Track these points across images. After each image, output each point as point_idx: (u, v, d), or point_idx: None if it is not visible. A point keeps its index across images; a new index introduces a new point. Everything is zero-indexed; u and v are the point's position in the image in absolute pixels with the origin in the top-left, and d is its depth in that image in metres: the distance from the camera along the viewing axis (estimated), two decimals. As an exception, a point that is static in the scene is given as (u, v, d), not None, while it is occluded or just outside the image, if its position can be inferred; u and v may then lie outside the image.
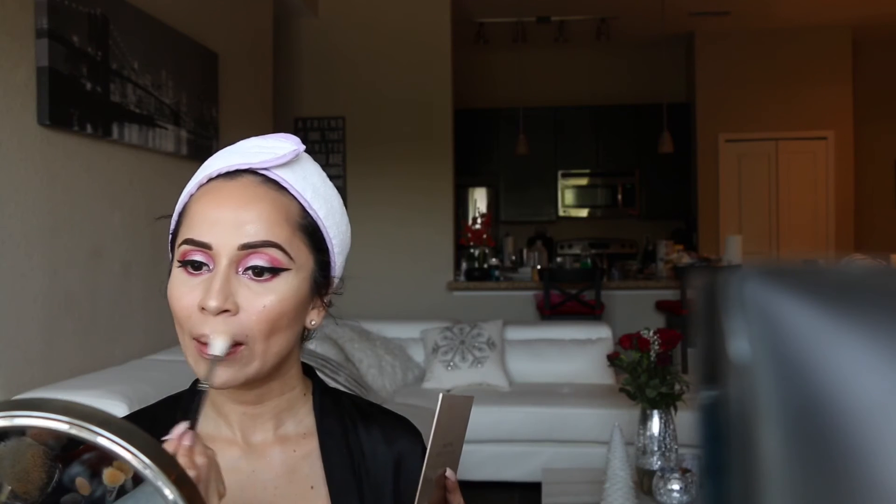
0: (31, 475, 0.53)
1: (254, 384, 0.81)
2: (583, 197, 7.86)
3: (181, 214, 0.80)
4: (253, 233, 0.76)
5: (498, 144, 7.69)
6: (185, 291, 0.76)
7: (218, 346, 0.74)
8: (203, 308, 0.74)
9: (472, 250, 6.04)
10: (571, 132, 7.79)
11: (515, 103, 7.48)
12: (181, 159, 3.24)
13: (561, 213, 7.88)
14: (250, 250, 0.76)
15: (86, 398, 2.11)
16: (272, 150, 0.79)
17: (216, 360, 0.74)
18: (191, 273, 0.76)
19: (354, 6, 5.86)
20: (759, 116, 7.30)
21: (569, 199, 7.86)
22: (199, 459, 0.68)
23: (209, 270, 0.76)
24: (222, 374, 0.76)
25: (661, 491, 2.38)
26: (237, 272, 0.76)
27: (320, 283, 0.82)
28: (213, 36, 3.67)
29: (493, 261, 6.12)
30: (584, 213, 7.90)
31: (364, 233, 5.42)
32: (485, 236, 6.01)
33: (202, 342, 0.75)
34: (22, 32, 2.33)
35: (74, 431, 0.44)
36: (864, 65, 7.54)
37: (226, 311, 0.74)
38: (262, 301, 0.76)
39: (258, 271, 0.76)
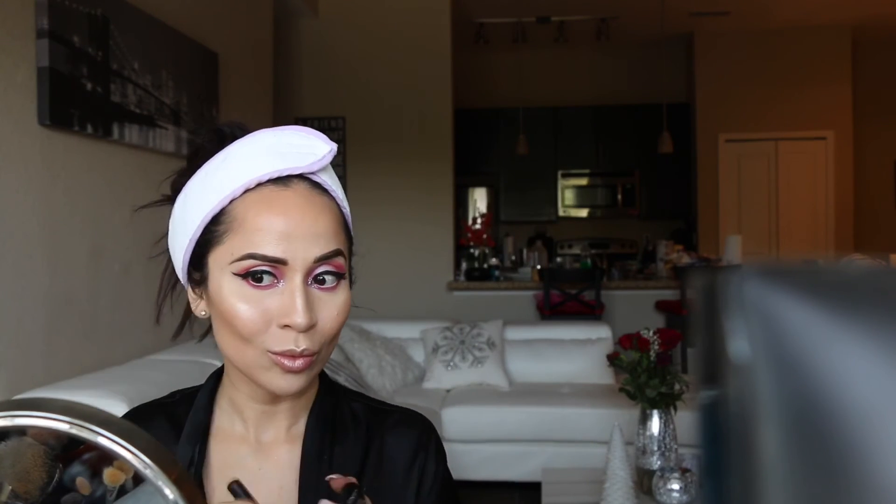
0: (31, 475, 0.53)
1: None
2: (583, 197, 7.86)
3: (218, 218, 0.77)
4: (325, 244, 0.76)
5: (498, 144, 7.69)
6: (252, 304, 0.75)
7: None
8: (286, 325, 0.74)
9: (472, 250, 6.04)
10: (571, 132, 7.79)
11: (515, 103, 7.48)
12: (181, 159, 3.23)
13: (561, 213, 7.88)
14: (323, 262, 0.76)
15: (86, 398, 2.12)
16: (311, 150, 0.77)
17: None
18: (255, 286, 0.75)
19: (354, 6, 5.86)
20: (759, 116, 7.30)
21: (569, 199, 7.86)
22: None
23: (275, 282, 0.75)
24: (294, 383, 0.76)
25: (661, 491, 2.38)
26: (307, 283, 0.76)
27: (352, 277, 0.84)
28: (213, 36, 3.67)
29: (493, 261, 6.12)
30: (584, 213, 7.90)
31: (364, 233, 5.40)
32: (485, 236, 6.02)
33: (285, 356, 0.75)
34: (22, 32, 2.33)
35: (75, 431, 0.44)
36: (863, 65, 7.54)
37: (312, 326, 0.75)
38: (334, 309, 0.77)
39: (327, 280, 0.77)
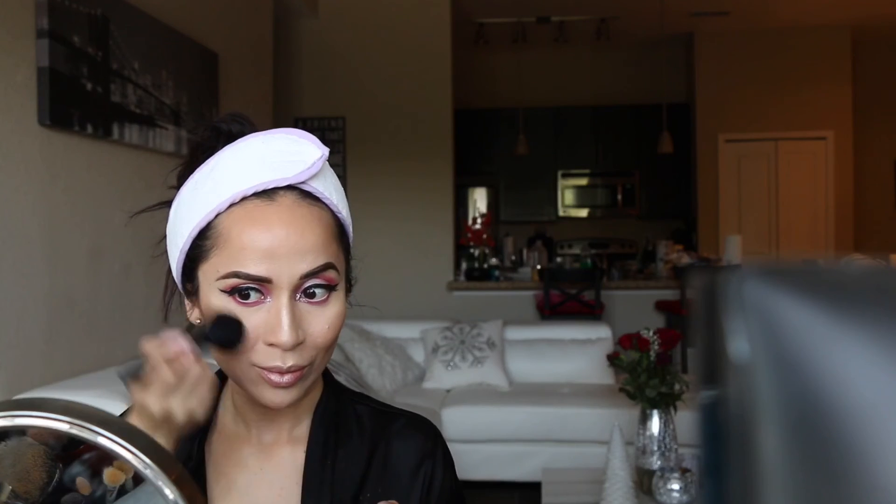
0: (31, 475, 0.53)
1: None
2: (583, 197, 7.86)
3: (205, 233, 0.76)
4: (312, 260, 0.74)
5: (498, 144, 7.69)
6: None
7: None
8: (272, 343, 0.73)
9: (472, 250, 6.04)
10: (571, 132, 7.79)
11: (515, 103, 7.48)
12: (181, 159, 3.24)
13: (561, 213, 7.88)
14: (311, 277, 0.74)
15: (86, 398, 2.11)
16: (300, 157, 0.75)
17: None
18: (241, 302, 0.74)
19: (354, 7, 5.86)
20: (759, 117, 7.30)
21: (569, 199, 7.87)
22: (187, 363, 0.71)
23: (262, 298, 0.74)
24: (285, 397, 0.75)
25: (661, 491, 2.38)
26: (296, 298, 0.74)
27: (350, 280, 0.82)
28: (213, 36, 3.67)
29: (493, 261, 6.12)
30: (583, 213, 7.90)
31: (364, 233, 5.41)
32: (485, 236, 6.02)
33: (272, 371, 0.74)
34: (22, 32, 2.33)
35: (75, 431, 0.44)
36: (863, 65, 7.54)
37: (299, 343, 0.74)
38: (324, 323, 0.76)
39: (317, 294, 0.75)
